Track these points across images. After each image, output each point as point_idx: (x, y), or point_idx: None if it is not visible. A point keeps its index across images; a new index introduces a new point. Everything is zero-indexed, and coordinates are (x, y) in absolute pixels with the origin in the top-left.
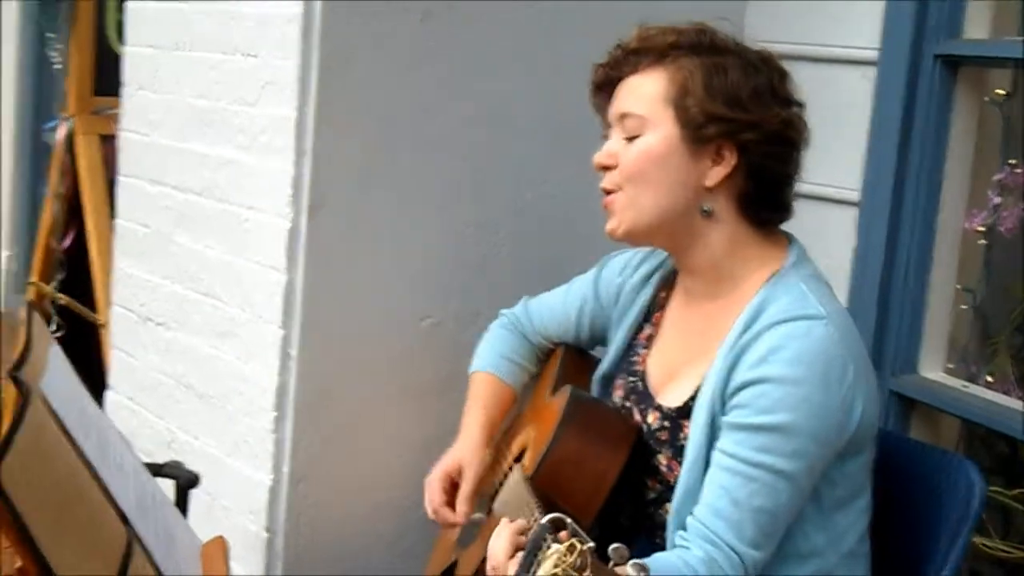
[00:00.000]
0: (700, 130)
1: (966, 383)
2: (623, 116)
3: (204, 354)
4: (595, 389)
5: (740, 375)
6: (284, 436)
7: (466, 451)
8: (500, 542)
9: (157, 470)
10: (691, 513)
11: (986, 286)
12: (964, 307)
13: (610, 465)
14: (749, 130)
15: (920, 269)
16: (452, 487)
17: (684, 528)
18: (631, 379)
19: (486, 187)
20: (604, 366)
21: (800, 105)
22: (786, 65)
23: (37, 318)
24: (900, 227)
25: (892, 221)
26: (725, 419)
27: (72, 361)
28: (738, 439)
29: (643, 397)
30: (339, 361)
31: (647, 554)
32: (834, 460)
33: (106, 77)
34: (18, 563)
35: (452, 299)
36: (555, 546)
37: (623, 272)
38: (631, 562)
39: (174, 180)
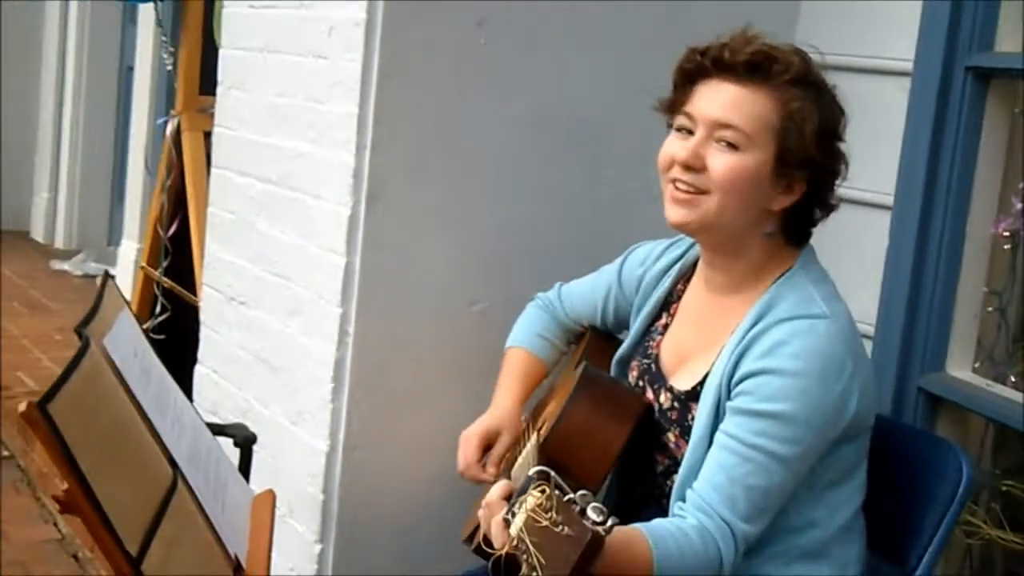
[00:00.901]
0: (788, 166)
1: (991, 382)
2: (724, 125)
3: (276, 330)
4: (614, 370)
5: (747, 365)
6: (340, 406)
7: (503, 417)
8: (496, 489)
9: (219, 430)
10: (691, 487)
11: (1012, 289)
12: (991, 309)
13: (616, 436)
14: (825, 172)
15: (949, 271)
16: (485, 449)
17: (684, 500)
18: (645, 361)
19: (535, 182)
20: (623, 349)
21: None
22: (829, 76)
23: (111, 286)
24: (930, 231)
25: (922, 225)
26: (730, 404)
27: (175, 337)
28: (739, 422)
29: (656, 377)
30: (393, 339)
31: (654, 518)
32: (829, 446)
33: (212, 77)
34: (65, 486)
35: (500, 286)
36: (535, 492)
37: (644, 263)
38: (591, 505)
39: (256, 171)
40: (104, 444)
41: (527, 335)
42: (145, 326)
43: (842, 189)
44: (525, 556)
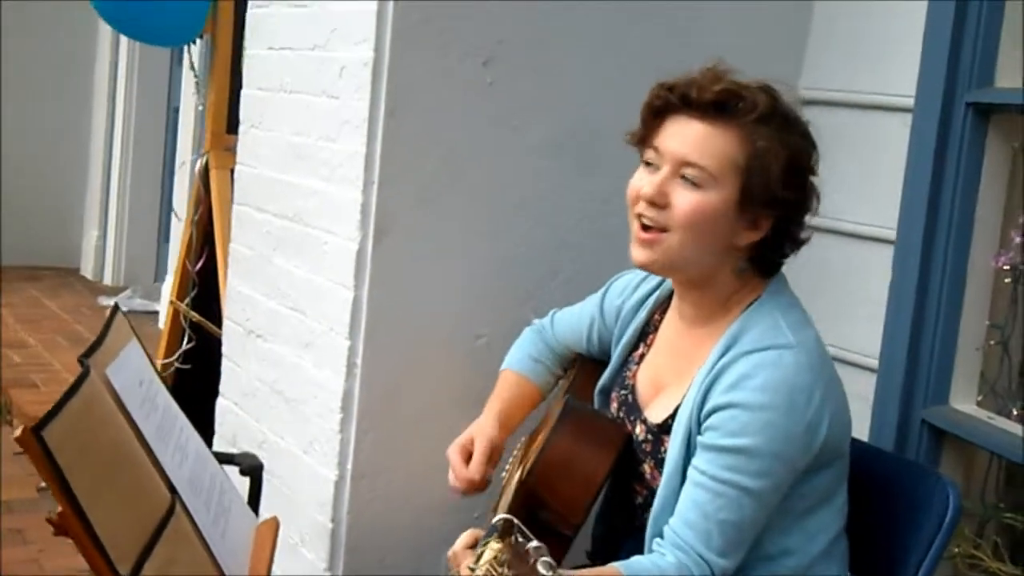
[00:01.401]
0: (752, 204)
1: (993, 415)
2: (688, 163)
3: (290, 363)
4: (596, 400)
5: (713, 399)
6: (348, 436)
7: (476, 428)
8: (461, 539)
9: (226, 458)
10: (667, 522)
11: (1013, 323)
12: (993, 343)
13: (598, 466)
14: (792, 208)
15: (951, 305)
16: (468, 457)
17: (661, 535)
18: (623, 392)
19: (542, 218)
20: (603, 379)
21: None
22: (834, 112)
23: (120, 318)
24: (932, 265)
25: (924, 259)
26: (700, 439)
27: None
28: (709, 458)
29: (631, 409)
30: (399, 371)
31: (634, 554)
32: (802, 475)
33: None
34: (59, 508)
35: (505, 320)
36: (493, 544)
37: (623, 293)
38: (541, 560)
39: (274, 208)
40: (99, 469)
41: (519, 357)
42: (172, 357)
43: (845, 224)
44: None
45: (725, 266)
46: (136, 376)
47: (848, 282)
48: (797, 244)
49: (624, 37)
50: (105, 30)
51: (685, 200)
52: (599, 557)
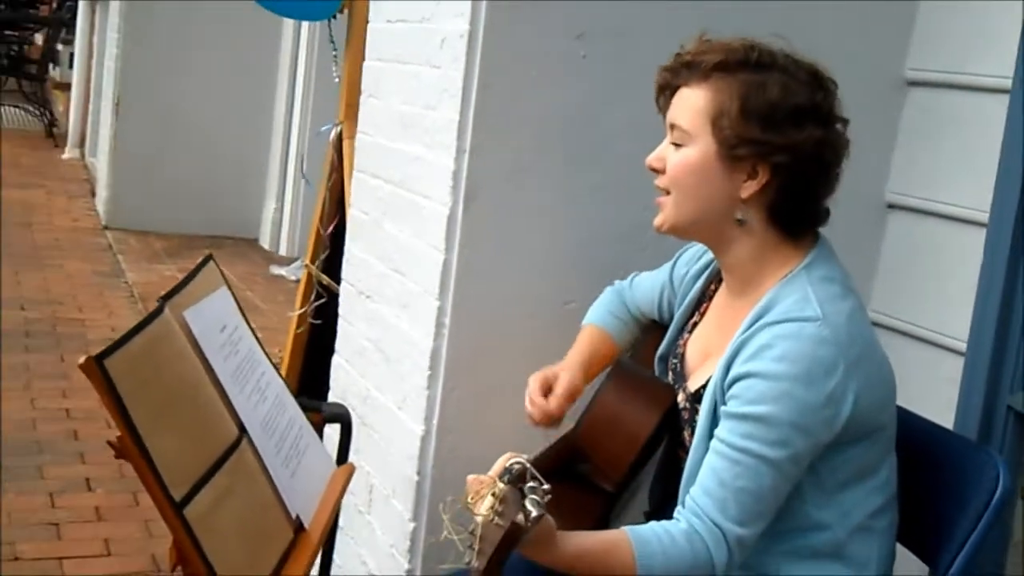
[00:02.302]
0: (733, 149)
1: None
2: (673, 125)
3: (391, 322)
4: (656, 367)
5: (736, 368)
6: (435, 393)
7: (562, 366)
8: (494, 468)
9: (312, 407)
10: (689, 490)
11: None
12: None
13: (642, 426)
14: (781, 152)
15: None
16: (547, 390)
17: (683, 504)
18: (673, 360)
19: (631, 191)
20: (662, 347)
21: (843, 121)
22: (937, 93)
23: (211, 267)
24: (1023, 249)
25: (1015, 243)
26: (722, 408)
27: (333, 326)
28: (729, 426)
29: (678, 377)
30: (486, 332)
31: None
32: (832, 447)
33: None
34: (118, 432)
35: (594, 287)
36: (499, 487)
37: (689, 262)
38: (529, 498)
39: (385, 174)
40: (161, 400)
41: (600, 313)
42: (303, 310)
43: (942, 206)
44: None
45: (737, 226)
46: (218, 321)
47: (944, 265)
48: (814, 198)
49: (720, 17)
50: (288, 21)
51: (671, 160)
52: (655, 518)
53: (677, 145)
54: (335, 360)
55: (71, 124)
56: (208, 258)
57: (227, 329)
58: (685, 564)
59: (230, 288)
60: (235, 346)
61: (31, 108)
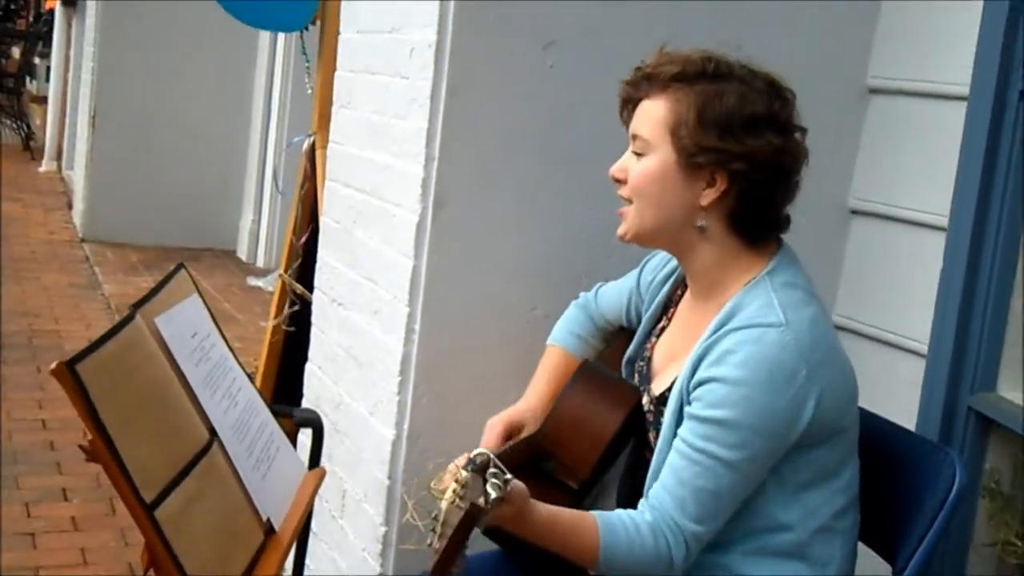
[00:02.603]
0: (692, 158)
1: None
2: (634, 136)
3: (363, 329)
4: (623, 371)
5: (700, 372)
6: (406, 398)
7: (527, 412)
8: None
9: (284, 412)
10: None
11: None
12: None
13: (607, 425)
14: (738, 160)
15: (1000, 292)
16: (507, 438)
17: (647, 498)
18: (640, 363)
19: (598, 198)
20: (629, 351)
21: (801, 130)
22: (897, 100)
23: (183, 275)
24: (982, 252)
25: (974, 246)
26: (686, 409)
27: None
28: (690, 427)
29: (643, 379)
30: (455, 338)
31: None
32: (794, 449)
33: None
34: (89, 436)
35: (561, 294)
36: (462, 474)
37: (655, 270)
38: (491, 482)
39: (356, 183)
40: (132, 404)
41: (563, 334)
42: (278, 320)
43: (903, 211)
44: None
45: (698, 233)
46: (190, 327)
47: (905, 269)
48: (773, 206)
49: (686, 26)
50: (264, 32)
51: (633, 170)
52: None
53: (639, 155)
54: (308, 367)
55: (48, 137)
56: (179, 266)
57: (198, 335)
58: (646, 556)
59: (202, 296)
60: (206, 352)
61: (8, 121)
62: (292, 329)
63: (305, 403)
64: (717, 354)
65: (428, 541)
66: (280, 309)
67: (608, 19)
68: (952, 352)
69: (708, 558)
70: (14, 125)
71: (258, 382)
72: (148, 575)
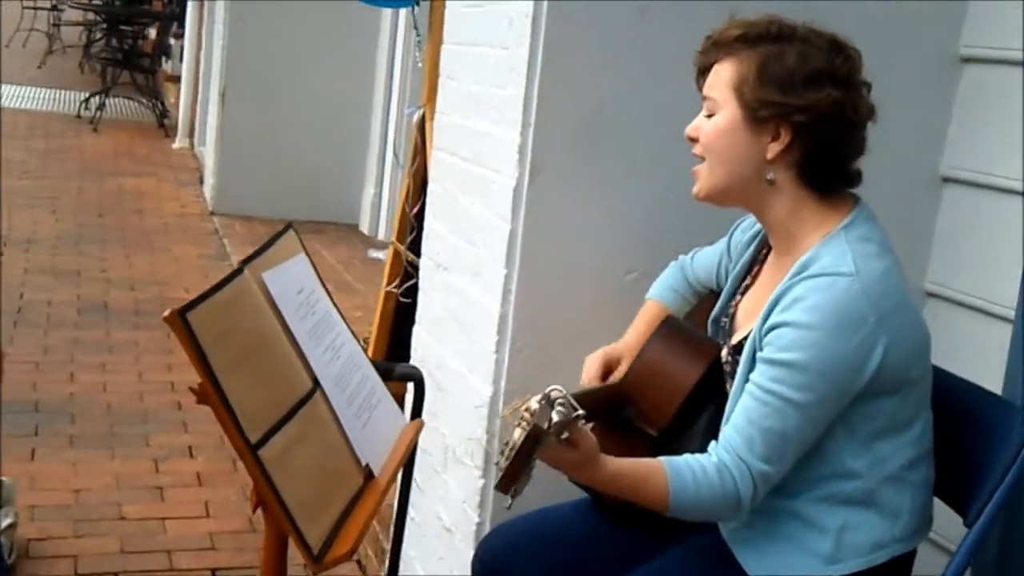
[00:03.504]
0: (755, 112)
1: None
2: (705, 98)
3: (464, 291)
4: (709, 328)
5: (772, 318)
6: (503, 357)
7: (624, 348)
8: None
9: (384, 368)
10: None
11: None
12: None
13: (687, 377)
14: (799, 113)
15: None
16: (607, 372)
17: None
18: (724, 320)
19: (691, 162)
20: (715, 310)
21: (866, 85)
22: (991, 69)
23: (290, 235)
24: None
25: None
26: (758, 353)
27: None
28: (761, 370)
29: (724, 334)
30: (551, 299)
31: None
32: (863, 397)
33: None
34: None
35: (656, 257)
36: (533, 401)
37: (744, 231)
38: (556, 409)
39: (460, 151)
40: (239, 351)
41: (661, 289)
42: (391, 287)
43: (996, 178)
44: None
45: (768, 187)
46: (296, 284)
47: (995, 236)
48: (838, 157)
49: None
50: (386, 10)
51: (703, 129)
52: None
53: (710, 116)
54: (415, 329)
55: (181, 115)
56: (288, 227)
57: (304, 292)
58: (714, 494)
59: (308, 256)
60: (311, 307)
61: (143, 100)
62: (408, 300)
63: (412, 362)
64: (789, 300)
65: (496, 460)
66: (393, 277)
67: None
68: None
69: (778, 503)
70: (149, 103)
71: (371, 348)
72: (257, 512)
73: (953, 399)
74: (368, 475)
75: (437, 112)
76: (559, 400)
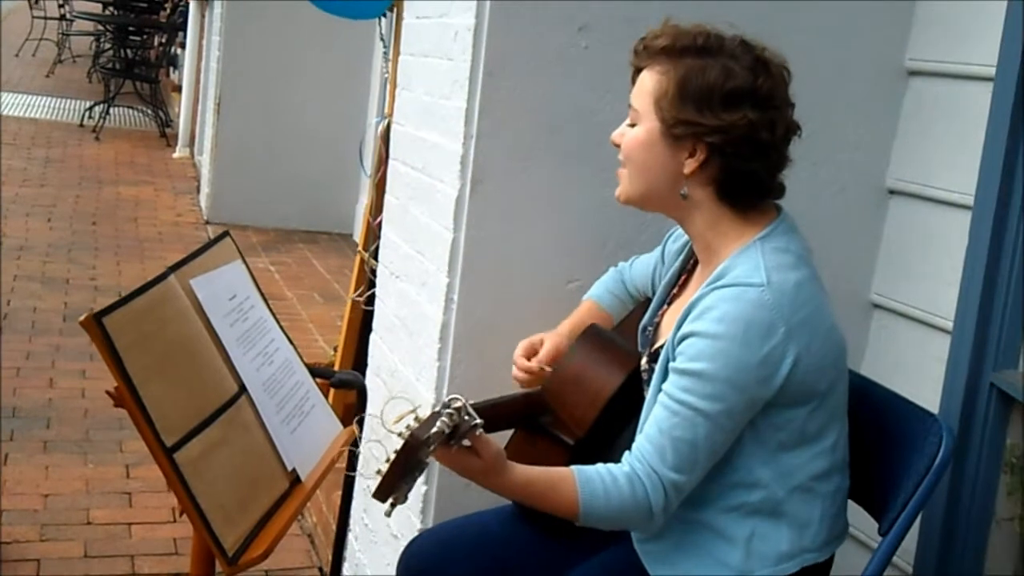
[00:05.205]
0: (671, 129)
1: None
2: (630, 105)
3: (412, 299)
4: (639, 337)
5: (684, 328)
6: (445, 364)
7: (548, 334)
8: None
9: (322, 373)
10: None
11: None
12: None
13: (605, 386)
14: (713, 133)
15: None
16: (534, 353)
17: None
18: (649, 329)
19: None
20: (644, 319)
21: (789, 105)
22: (933, 82)
23: (227, 242)
24: (1005, 231)
25: (997, 224)
26: (670, 364)
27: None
28: (672, 380)
29: (645, 343)
30: (493, 308)
31: None
32: (772, 407)
33: None
34: (114, 384)
35: (597, 267)
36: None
37: (675, 241)
38: (440, 419)
39: (412, 161)
40: (159, 355)
41: (599, 291)
42: (357, 296)
43: (934, 190)
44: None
45: (683, 200)
46: (228, 290)
47: (938, 248)
48: (755, 176)
49: (721, 8)
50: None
51: (626, 137)
52: None
53: (631, 124)
54: (372, 337)
55: (181, 124)
56: (224, 234)
57: (237, 298)
58: (624, 504)
59: (245, 262)
60: (244, 314)
61: (146, 109)
62: (370, 308)
63: (369, 371)
64: (700, 310)
65: (375, 469)
66: (359, 286)
67: (640, 2)
68: (975, 330)
69: (687, 514)
70: (151, 113)
71: (338, 357)
72: (183, 518)
73: (873, 407)
74: (295, 480)
75: (394, 122)
76: (456, 408)
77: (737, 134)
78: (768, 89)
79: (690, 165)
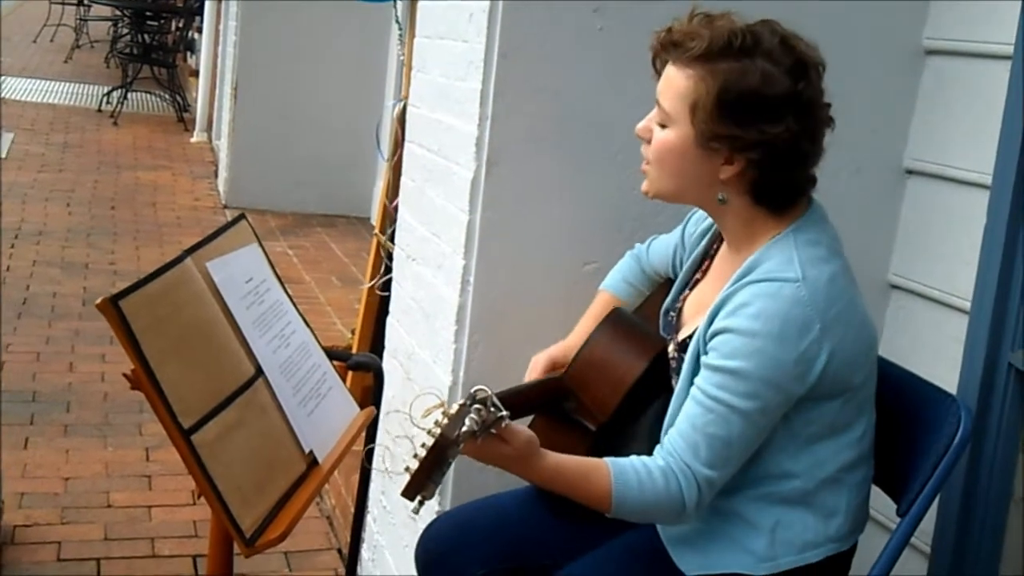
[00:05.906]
0: (708, 141)
1: None
2: (658, 102)
3: (429, 281)
4: (660, 321)
5: (717, 323)
6: (461, 346)
7: (570, 349)
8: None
9: (339, 356)
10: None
11: None
12: None
13: (629, 371)
14: (753, 148)
15: None
16: (551, 369)
17: (662, 443)
18: (672, 313)
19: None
20: (666, 302)
21: (826, 106)
22: (951, 61)
23: (243, 225)
24: (1022, 209)
25: (1015, 204)
26: (702, 358)
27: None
28: (705, 376)
29: (670, 329)
30: (509, 290)
31: None
32: (804, 401)
33: None
34: (132, 367)
35: (613, 249)
36: (453, 408)
37: (697, 222)
38: (468, 415)
39: (427, 143)
40: (175, 338)
41: (615, 280)
42: (374, 282)
43: (953, 170)
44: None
45: (712, 199)
46: (244, 273)
47: (956, 228)
48: (793, 180)
49: None
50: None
51: (655, 136)
52: None
53: (661, 123)
54: (389, 320)
55: (199, 109)
56: (240, 217)
57: (253, 281)
58: (658, 498)
59: (261, 245)
60: (260, 296)
61: (164, 94)
62: (386, 294)
63: (385, 354)
64: (733, 306)
65: (404, 466)
66: (376, 269)
67: None
68: (993, 310)
69: (716, 502)
70: (169, 97)
71: (355, 341)
72: (201, 500)
73: (891, 387)
74: (312, 462)
75: (410, 105)
76: (482, 400)
77: (779, 146)
78: (809, 94)
79: (727, 172)
